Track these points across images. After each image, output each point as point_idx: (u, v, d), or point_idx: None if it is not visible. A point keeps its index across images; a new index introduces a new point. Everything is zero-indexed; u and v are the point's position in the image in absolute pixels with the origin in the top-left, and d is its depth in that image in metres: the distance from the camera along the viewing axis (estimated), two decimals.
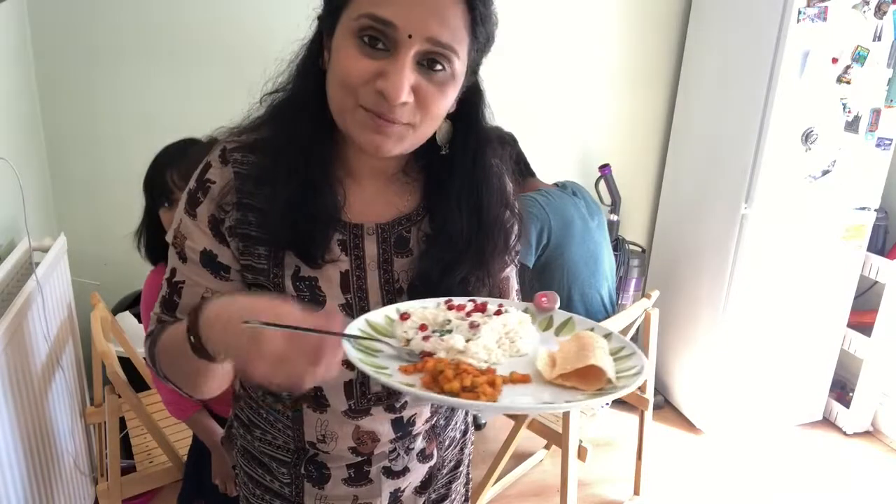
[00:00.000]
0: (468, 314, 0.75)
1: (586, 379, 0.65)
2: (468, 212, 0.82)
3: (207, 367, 0.66)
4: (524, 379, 0.66)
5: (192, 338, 0.63)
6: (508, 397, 0.63)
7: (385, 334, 0.72)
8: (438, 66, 0.70)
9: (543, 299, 0.80)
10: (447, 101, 0.73)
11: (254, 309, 0.58)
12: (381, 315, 0.74)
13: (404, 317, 0.73)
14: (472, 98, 0.81)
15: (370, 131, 0.71)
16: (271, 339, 0.55)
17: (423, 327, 0.72)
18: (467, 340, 0.69)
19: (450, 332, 0.72)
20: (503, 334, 0.72)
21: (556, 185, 2.20)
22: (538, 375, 0.67)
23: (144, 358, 2.14)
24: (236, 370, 0.60)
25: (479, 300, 0.79)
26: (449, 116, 0.79)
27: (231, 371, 0.71)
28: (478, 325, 0.71)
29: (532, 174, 2.22)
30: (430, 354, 0.68)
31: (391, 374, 0.64)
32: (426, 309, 0.76)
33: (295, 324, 0.55)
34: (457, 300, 0.78)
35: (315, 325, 0.56)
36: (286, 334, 0.55)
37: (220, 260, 0.78)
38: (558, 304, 0.81)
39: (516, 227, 0.89)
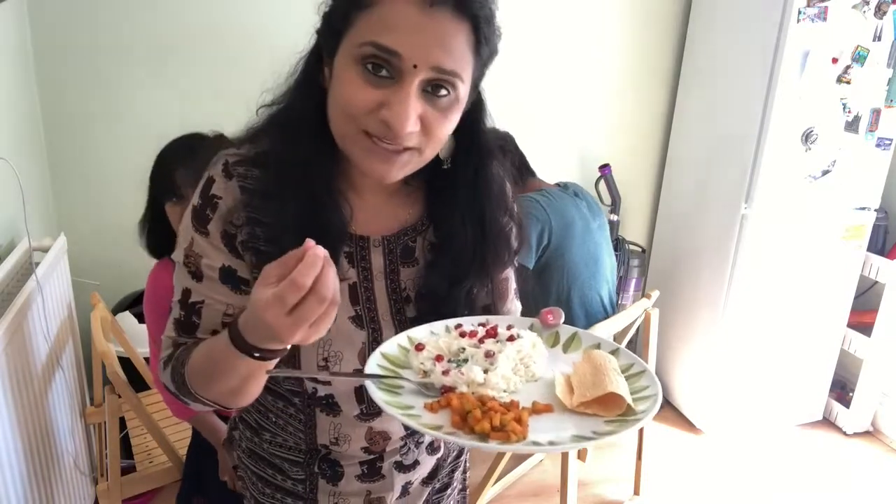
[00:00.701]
0: (481, 341, 0.76)
1: (605, 404, 0.66)
2: (472, 225, 0.82)
3: (260, 368, 0.66)
4: (546, 409, 0.67)
5: (236, 342, 0.63)
6: (534, 431, 0.63)
7: (400, 365, 0.73)
8: (443, 92, 0.69)
9: (549, 316, 0.82)
10: (452, 124, 0.73)
11: (254, 301, 0.59)
12: (394, 345, 0.75)
13: (419, 347, 0.74)
14: (473, 110, 0.80)
15: (376, 160, 0.71)
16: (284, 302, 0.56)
17: (439, 358, 0.73)
18: (485, 371, 0.70)
19: (465, 360, 0.72)
20: (518, 361, 0.73)
21: (557, 185, 2.19)
22: (558, 402, 0.68)
23: (146, 358, 2.14)
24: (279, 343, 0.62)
25: (490, 322, 0.79)
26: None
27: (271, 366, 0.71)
28: (493, 354, 0.72)
29: (532, 174, 2.21)
30: (450, 388, 0.68)
31: (419, 415, 0.65)
32: (438, 337, 0.77)
33: (283, 262, 0.58)
34: (466, 324, 0.79)
35: (294, 260, 0.57)
36: (298, 292, 0.56)
37: (240, 274, 0.77)
38: (563, 320, 0.82)
39: (516, 231, 0.89)
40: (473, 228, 0.82)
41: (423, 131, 0.70)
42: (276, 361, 0.67)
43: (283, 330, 0.58)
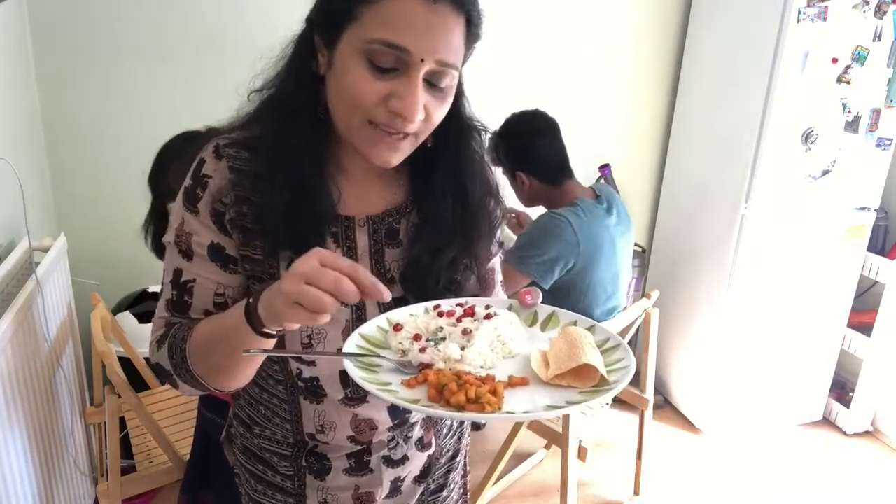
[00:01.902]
0: (458, 320, 0.77)
1: (579, 376, 0.68)
2: (453, 198, 0.85)
3: (259, 344, 0.69)
4: (522, 382, 0.69)
5: (250, 316, 0.67)
6: (509, 403, 0.65)
7: (380, 346, 0.74)
8: (442, 82, 0.73)
9: (527, 297, 0.84)
10: (446, 109, 0.77)
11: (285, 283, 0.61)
12: (373, 327, 0.76)
13: (397, 328, 0.75)
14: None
15: (382, 148, 0.75)
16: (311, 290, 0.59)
17: (417, 337, 0.74)
18: (462, 348, 0.71)
19: (443, 339, 0.74)
20: (495, 338, 0.75)
21: (592, 189, 2.01)
22: (534, 376, 0.70)
23: (146, 358, 2.14)
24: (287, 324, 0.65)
25: (468, 303, 0.81)
26: None
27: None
28: (470, 332, 0.74)
29: (570, 175, 1.97)
30: (428, 366, 0.70)
31: (396, 391, 0.66)
32: (417, 318, 0.78)
33: (343, 267, 0.60)
34: (445, 305, 0.80)
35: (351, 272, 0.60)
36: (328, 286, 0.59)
37: (228, 252, 0.79)
38: (541, 300, 0.84)
39: (500, 214, 0.92)
40: (454, 202, 0.85)
41: (425, 118, 0.74)
42: (272, 343, 0.70)
43: (285, 313, 0.61)
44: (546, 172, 1.96)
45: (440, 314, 0.78)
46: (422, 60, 0.69)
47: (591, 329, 0.77)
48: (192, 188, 0.79)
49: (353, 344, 0.72)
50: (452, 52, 0.71)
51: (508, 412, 0.64)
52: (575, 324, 0.79)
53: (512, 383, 0.68)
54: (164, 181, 1.43)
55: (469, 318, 0.77)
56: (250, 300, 0.67)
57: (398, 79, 0.70)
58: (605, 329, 0.77)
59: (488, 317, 0.77)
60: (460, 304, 0.81)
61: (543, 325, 0.82)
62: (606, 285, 1.96)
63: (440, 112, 0.75)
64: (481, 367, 0.71)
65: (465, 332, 0.74)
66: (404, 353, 0.72)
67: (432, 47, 0.69)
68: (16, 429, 1.38)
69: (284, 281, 0.61)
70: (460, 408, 0.62)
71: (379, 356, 0.71)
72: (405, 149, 0.76)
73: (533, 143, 1.95)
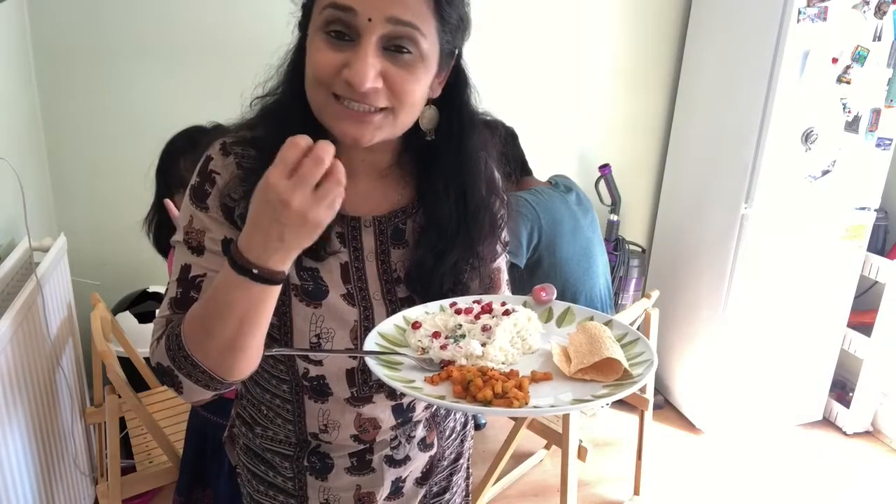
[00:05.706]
0: (477, 317, 0.77)
1: (602, 370, 0.68)
2: (455, 195, 0.83)
3: (259, 299, 0.65)
4: (546, 377, 0.69)
5: (233, 259, 0.64)
6: (534, 398, 0.65)
7: (398, 344, 0.74)
8: (405, 49, 0.70)
9: (542, 293, 0.84)
10: (420, 84, 0.73)
11: (272, 199, 0.61)
12: (390, 325, 0.76)
13: (416, 325, 0.75)
14: (456, 83, 0.82)
15: (348, 123, 0.72)
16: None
17: (436, 335, 0.74)
18: (483, 344, 0.72)
19: (463, 336, 0.73)
20: (514, 334, 0.75)
21: (549, 181, 2.22)
22: (556, 371, 0.70)
23: (146, 358, 2.14)
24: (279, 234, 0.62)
25: (485, 300, 0.81)
26: (435, 102, 0.80)
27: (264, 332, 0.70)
28: (490, 328, 0.74)
29: (529, 173, 2.23)
30: (450, 362, 0.70)
31: (421, 387, 0.66)
32: (434, 315, 0.78)
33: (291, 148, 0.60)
34: (461, 302, 0.80)
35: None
36: (291, 162, 0.60)
37: None
38: (556, 296, 0.84)
39: (504, 213, 0.90)
40: (456, 199, 0.83)
41: (390, 90, 0.71)
42: (277, 291, 0.66)
43: (309, 209, 0.60)
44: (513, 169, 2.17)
45: (458, 311, 0.78)
46: (369, 20, 0.67)
47: (608, 324, 0.77)
48: (200, 185, 0.78)
49: (371, 342, 0.72)
50: (407, 10, 0.68)
51: (535, 406, 0.64)
52: (591, 319, 0.79)
53: (536, 378, 0.68)
54: (174, 172, 1.46)
55: (487, 315, 0.77)
56: (233, 246, 0.64)
57: (353, 48, 0.69)
58: (623, 324, 0.77)
59: (506, 313, 0.77)
60: (477, 302, 0.81)
61: (559, 321, 0.82)
62: (579, 258, 2.11)
63: (409, 84, 0.71)
64: (503, 363, 0.71)
65: (485, 329, 0.74)
66: (424, 350, 0.72)
67: (378, 5, 0.67)
68: (16, 429, 1.38)
69: (294, 198, 0.60)
70: (487, 403, 0.62)
71: (400, 354, 0.71)
72: (377, 125, 0.72)
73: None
